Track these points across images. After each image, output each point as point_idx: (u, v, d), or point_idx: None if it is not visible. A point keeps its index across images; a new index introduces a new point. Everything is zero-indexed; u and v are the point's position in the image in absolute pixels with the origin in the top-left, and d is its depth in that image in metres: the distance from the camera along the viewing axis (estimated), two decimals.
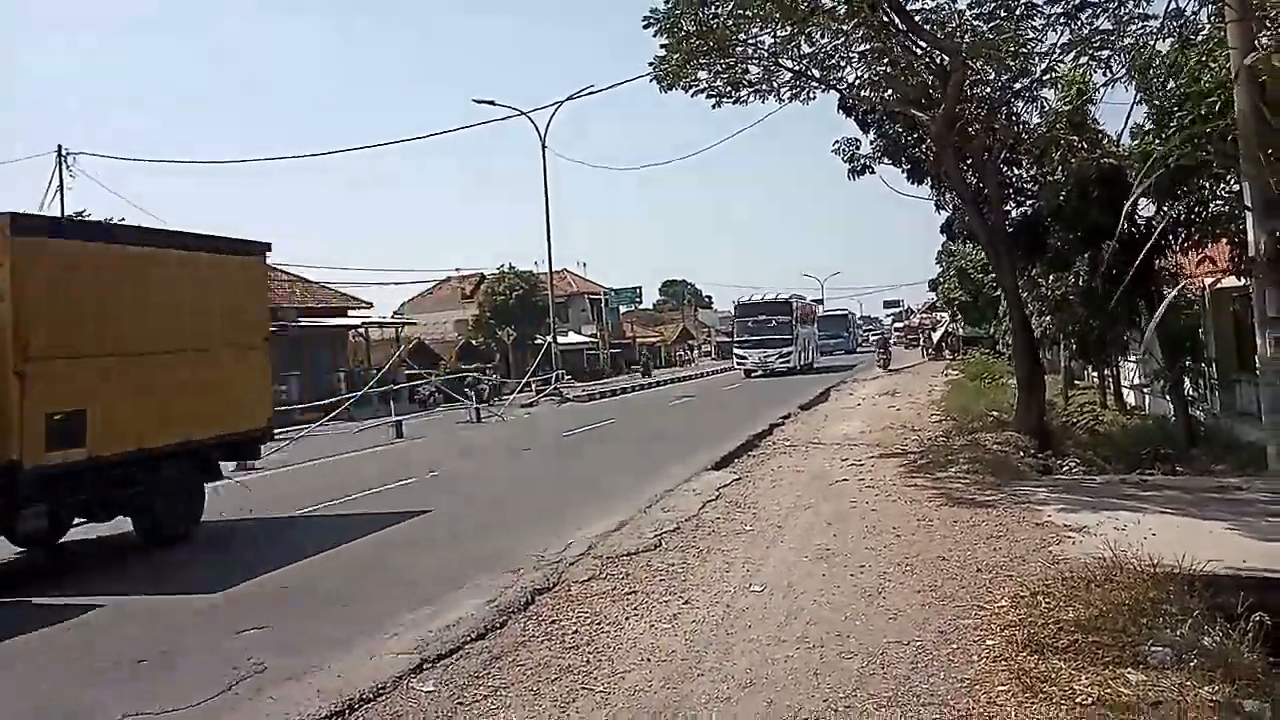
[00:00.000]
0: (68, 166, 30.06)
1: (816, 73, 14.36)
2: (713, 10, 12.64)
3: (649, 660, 5.23)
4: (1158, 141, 13.72)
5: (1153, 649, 4.55)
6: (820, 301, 78.89)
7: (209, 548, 9.96)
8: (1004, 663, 4.68)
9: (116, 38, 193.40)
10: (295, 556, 9.05)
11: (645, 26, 13.06)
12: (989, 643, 5.02)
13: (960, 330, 44.18)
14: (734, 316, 45.03)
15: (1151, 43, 12.94)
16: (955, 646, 5.05)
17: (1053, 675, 4.39)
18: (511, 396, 32.57)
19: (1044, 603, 5.48)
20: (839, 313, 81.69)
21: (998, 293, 23.40)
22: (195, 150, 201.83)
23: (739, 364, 41.99)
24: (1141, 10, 12.47)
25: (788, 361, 40.29)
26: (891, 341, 56.80)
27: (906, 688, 4.54)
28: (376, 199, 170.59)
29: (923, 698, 4.41)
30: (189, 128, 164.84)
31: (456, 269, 62.14)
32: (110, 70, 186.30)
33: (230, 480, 12.13)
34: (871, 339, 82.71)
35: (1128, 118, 15.22)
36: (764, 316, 41.41)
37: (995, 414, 16.26)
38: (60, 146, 30.33)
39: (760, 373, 39.90)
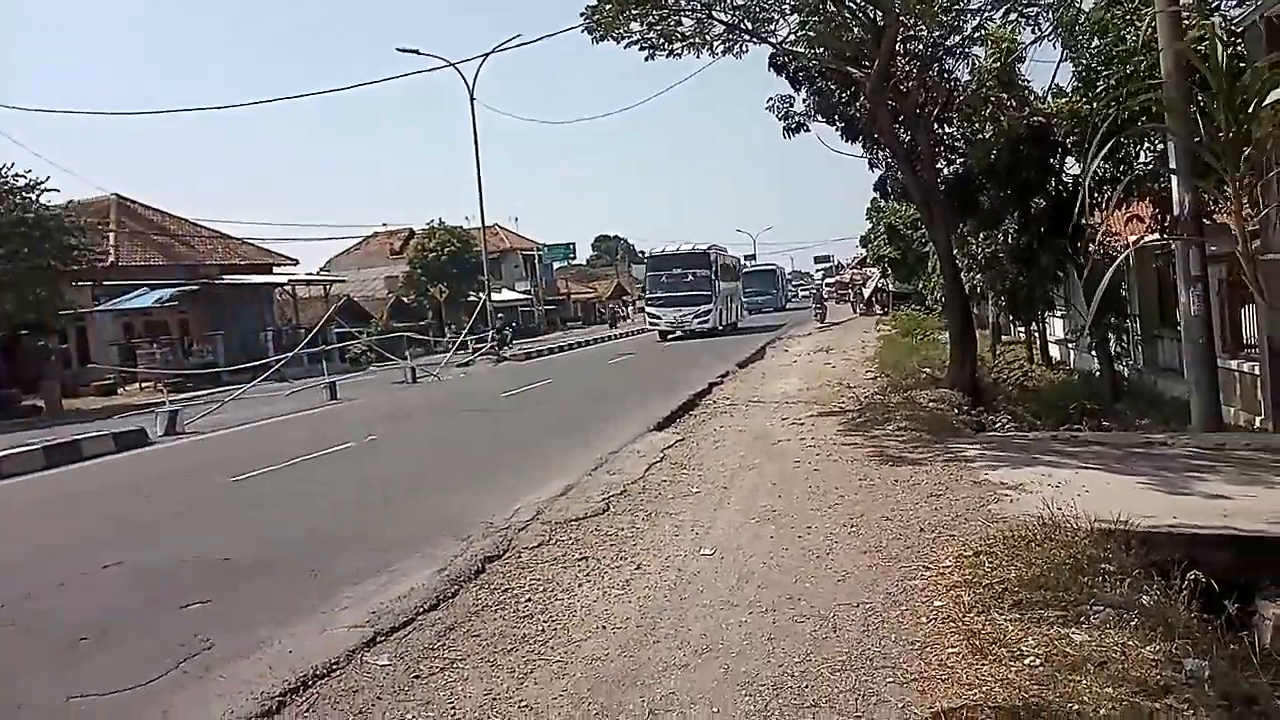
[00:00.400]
0: None
1: (749, 25, 14.25)
2: None
3: (604, 628, 5.25)
4: (1085, 101, 14.03)
5: (1094, 608, 4.71)
6: (751, 257, 78.14)
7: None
8: (952, 624, 4.80)
9: None
10: (237, 526, 8.89)
11: None
12: (937, 604, 5.15)
13: (891, 286, 44.77)
14: (645, 271, 40.16)
15: (1077, 1, 13.13)
16: (904, 608, 5.16)
17: (1000, 636, 4.52)
18: (446, 356, 32.19)
19: (987, 562, 5.62)
20: (767, 268, 77.52)
21: (927, 249, 23.84)
22: (101, 100, 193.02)
23: (652, 324, 37.56)
24: None
25: (706, 321, 36.12)
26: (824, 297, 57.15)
27: (859, 651, 4.64)
28: (304, 154, 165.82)
29: (875, 661, 4.51)
30: (96, 75, 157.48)
31: (384, 224, 61.04)
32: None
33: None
34: (802, 295, 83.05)
35: (1054, 76, 15.45)
36: (679, 270, 36.80)
37: (928, 370, 16.58)
38: None
39: (677, 333, 36.37)
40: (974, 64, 15.16)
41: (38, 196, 26.54)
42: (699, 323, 35.86)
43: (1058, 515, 6.12)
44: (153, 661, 5.23)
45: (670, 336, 36.48)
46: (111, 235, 34.21)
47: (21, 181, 26.44)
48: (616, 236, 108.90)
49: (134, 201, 38.33)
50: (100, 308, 32.68)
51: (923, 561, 5.98)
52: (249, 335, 36.32)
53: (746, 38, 14.35)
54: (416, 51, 33.54)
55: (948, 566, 5.78)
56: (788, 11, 14.03)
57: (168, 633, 5.74)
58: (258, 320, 38.76)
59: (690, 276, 36.41)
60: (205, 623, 5.88)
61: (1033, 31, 13.87)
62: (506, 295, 57.58)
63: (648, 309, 38.52)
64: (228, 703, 4.59)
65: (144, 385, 30.41)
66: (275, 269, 42.33)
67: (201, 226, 40.33)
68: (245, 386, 23.11)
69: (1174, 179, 10.52)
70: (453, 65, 34.16)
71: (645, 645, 4.96)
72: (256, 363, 27.04)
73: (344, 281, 49.18)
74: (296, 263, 44.24)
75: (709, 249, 38.14)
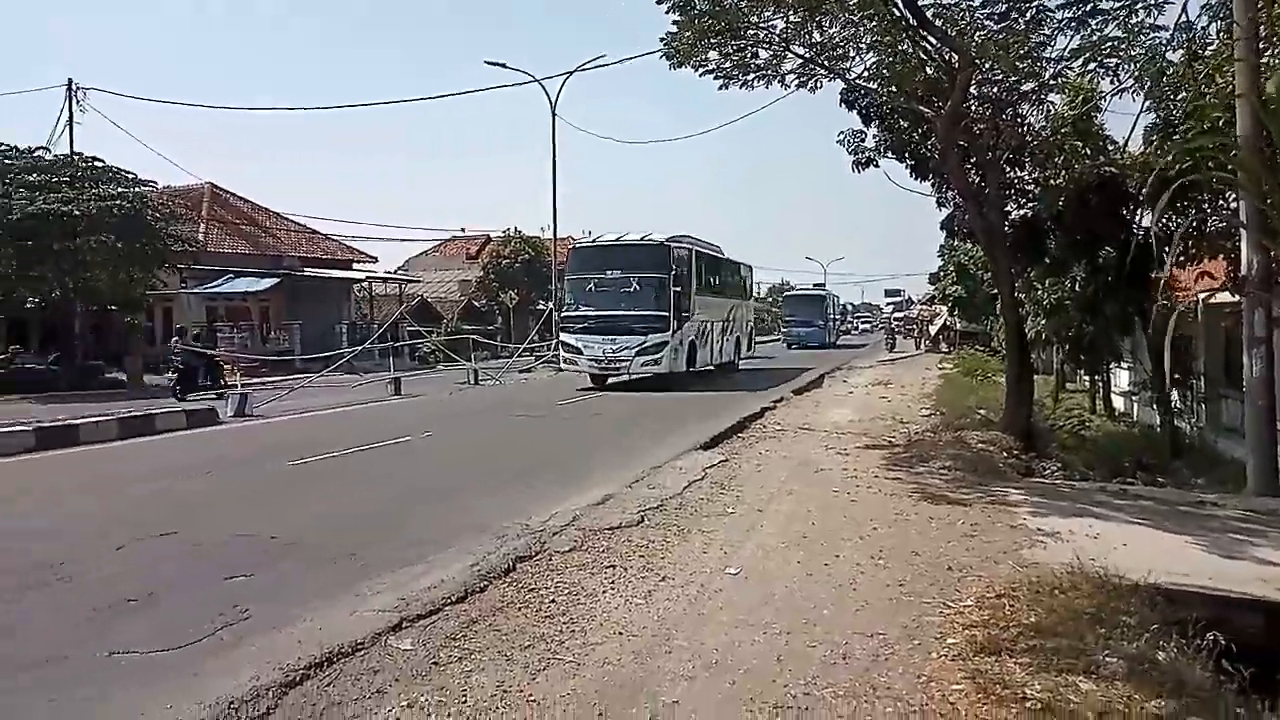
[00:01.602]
0: (78, 101, 29.82)
1: (825, 61, 14.38)
2: None
3: (621, 634, 5.40)
4: (1160, 153, 13.86)
5: (1107, 659, 4.72)
6: (820, 285, 75.69)
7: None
8: (962, 662, 4.85)
9: None
10: (288, 508, 9.26)
11: (659, 2, 13.08)
12: (950, 641, 5.19)
13: (957, 325, 44.19)
14: (566, 273, 25.89)
15: (1162, 52, 12.99)
16: (917, 643, 5.22)
17: (1007, 679, 4.56)
18: (510, 360, 32.70)
19: (1008, 606, 5.64)
20: (813, 292, 63.02)
21: (995, 289, 23.56)
22: (208, 95, 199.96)
23: (568, 362, 24.51)
24: (1153, 21, 12.49)
25: (656, 360, 22.72)
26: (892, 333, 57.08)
27: (865, 680, 4.72)
28: (390, 156, 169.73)
29: (879, 690, 4.58)
30: (204, 76, 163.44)
31: (462, 228, 62.17)
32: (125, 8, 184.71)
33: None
34: (861, 328, 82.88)
35: (1133, 127, 15.27)
36: (616, 274, 23.36)
37: (984, 411, 16.41)
38: (70, 80, 30.05)
39: (621, 376, 23.55)
40: (1049, 110, 15.07)
41: (135, 185, 27.94)
42: (644, 362, 22.77)
43: (1087, 566, 6.12)
44: (192, 626, 5.53)
45: (609, 380, 23.92)
46: (203, 223, 35.60)
47: (125, 172, 27.98)
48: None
49: (226, 191, 39.88)
50: (186, 290, 34.01)
51: (945, 599, 6.01)
52: (324, 327, 37.31)
53: (821, 72, 14.48)
54: (504, 65, 34.29)
55: (968, 606, 5.81)
56: (864, 49, 14.14)
57: (209, 601, 6.05)
58: (334, 313, 39.80)
59: (633, 285, 23.07)
60: (246, 595, 6.19)
61: (1112, 83, 13.73)
62: None
63: (563, 336, 24.35)
64: (255, 670, 4.84)
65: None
66: (355, 265, 43.48)
67: (288, 219, 41.68)
68: (316, 376, 23.82)
69: (1244, 237, 10.35)
70: (538, 81, 34.89)
71: (658, 655, 5.10)
72: (329, 354, 27.84)
73: (419, 282, 50.27)
74: (375, 260, 45.43)
75: (668, 242, 23.59)
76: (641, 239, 23.94)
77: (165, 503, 9.60)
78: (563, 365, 25.22)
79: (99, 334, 29.76)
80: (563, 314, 24.70)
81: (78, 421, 14.86)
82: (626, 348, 22.69)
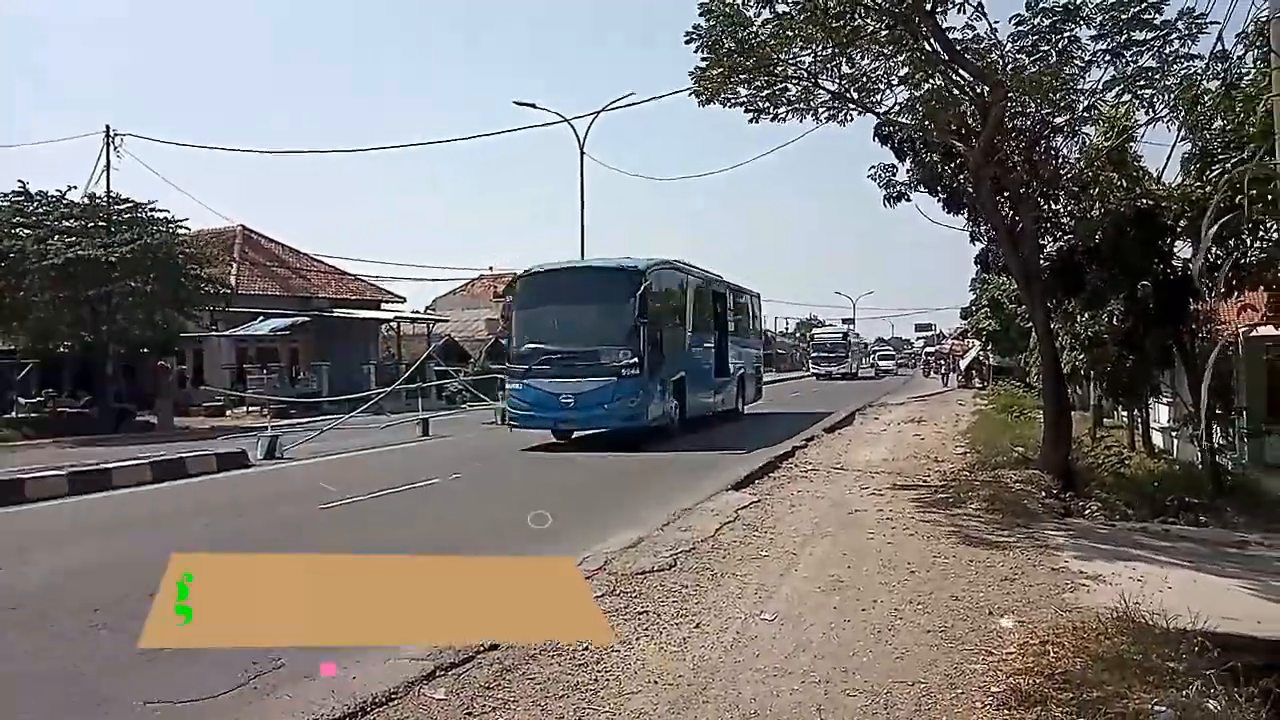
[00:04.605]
0: (115, 148, 30.50)
1: (855, 95, 14.39)
2: (754, 30, 12.73)
3: (656, 683, 5.30)
4: (1199, 184, 13.70)
5: (1155, 708, 4.57)
6: (850, 321, 77.07)
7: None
8: (1007, 711, 4.71)
9: (168, 25, 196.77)
10: (319, 551, 9.23)
11: (687, 42, 13.18)
12: (994, 690, 5.05)
13: (990, 359, 43.76)
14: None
15: (1198, 82, 12.89)
16: (960, 691, 5.08)
17: None
18: None
19: (1052, 652, 5.49)
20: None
21: (1029, 324, 23.32)
22: (239, 138, 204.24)
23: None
24: (1187, 50, 12.41)
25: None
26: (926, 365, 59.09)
27: None
28: (415, 196, 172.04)
29: None
30: (234, 121, 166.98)
31: (490, 267, 62.57)
32: (160, 55, 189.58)
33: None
34: (880, 364, 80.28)
35: (1168, 158, 15.10)
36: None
37: (1020, 449, 16.17)
38: (108, 127, 30.73)
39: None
40: (1083, 142, 14.97)
41: (172, 229, 28.56)
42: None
43: (1133, 610, 5.96)
44: (226, 674, 5.49)
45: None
46: (234, 265, 36.16)
47: (158, 214, 28.61)
48: None
49: (257, 233, 40.52)
50: (217, 333, 34.44)
51: (987, 645, 5.86)
52: (353, 367, 37.58)
53: (851, 107, 14.49)
54: (533, 105, 34.81)
55: (1011, 653, 5.66)
56: (895, 84, 14.15)
57: (242, 648, 6.01)
58: (362, 353, 40.13)
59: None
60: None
61: (1147, 113, 13.61)
62: None
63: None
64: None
65: (251, 409, 31.77)
66: (383, 305, 43.89)
67: (318, 260, 42.23)
68: (344, 417, 23.95)
69: None
70: (567, 120, 35.16)
71: (694, 704, 4.99)
72: (357, 394, 28.01)
73: (446, 321, 50.63)
74: (404, 300, 45.84)
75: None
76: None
77: (199, 546, 9.59)
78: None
79: (131, 376, 30.20)
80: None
81: (111, 465, 14.98)
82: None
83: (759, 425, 23.37)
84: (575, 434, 19.66)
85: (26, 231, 26.82)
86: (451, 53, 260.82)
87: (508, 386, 19.95)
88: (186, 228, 29.73)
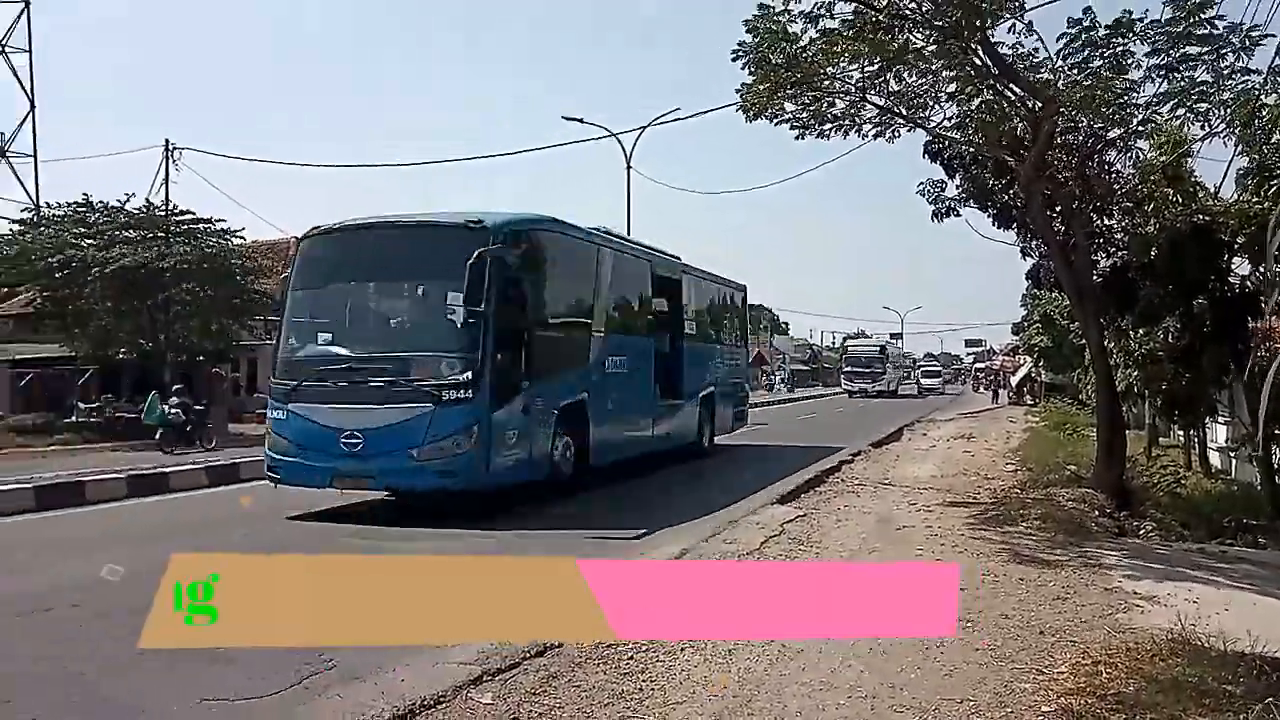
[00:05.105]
0: (174, 161, 31.35)
1: (904, 111, 14.30)
2: (800, 46, 12.70)
3: (700, 694, 5.31)
4: (1258, 200, 13.44)
5: None
6: (899, 336, 74.83)
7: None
8: None
9: (167, 25, 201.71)
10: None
11: (734, 59, 13.19)
12: (1044, 710, 4.99)
13: (1042, 376, 43.07)
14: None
15: (1255, 96, 12.66)
16: (1009, 709, 5.02)
17: None
18: None
19: (1105, 673, 5.41)
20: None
21: (1083, 342, 22.96)
22: (239, 137, 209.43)
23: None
24: (1244, 64, 12.18)
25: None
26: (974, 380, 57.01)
27: None
28: (450, 202, 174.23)
29: None
30: (234, 121, 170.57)
31: None
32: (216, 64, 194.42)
33: None
34: (923, 382, 72.75)
35: (1225, 173, 14.76)
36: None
37: (1073, 468, 15.93)
38: (167, 141, 31.64)
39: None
40: (1137, 157, 14.75)
41: (228, 239, 29.31)
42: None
43: (1189, 631, 5.85)
44: (280, 675, 5.59)
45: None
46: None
47: (215, 225, 29.41)
48: (761, 306, 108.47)
49: None
50: (270, 341, 35.07)
51: (1037, 665, 5.79)
52: None
53: (899, 122, 14.41)
54: (581, 120, 34.96)
55: (1062, 673, 5.58)
56: (944, 99, 14.05)
57: (297, 650, 6.12)
58: None
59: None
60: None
61: (1202, 127, 13.38)
62: None
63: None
64: None
65: None
66: None
67: None
68: None
69: None
70: (614, 135, 35.25)
71: (739, 716, 4.99)
72: None
73: None
74: None
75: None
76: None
77: (251, 548, 9.79)
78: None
79: (187, 383, 30.85)
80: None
81: (169, 470, 15.37)
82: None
83: (726, 469, 17.63)
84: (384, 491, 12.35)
85: (89, 241, 27.66)
86: (451, 52, 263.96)
87: (269, 415, 12.24)
88: (242, 238, 30.52)
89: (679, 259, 18.37)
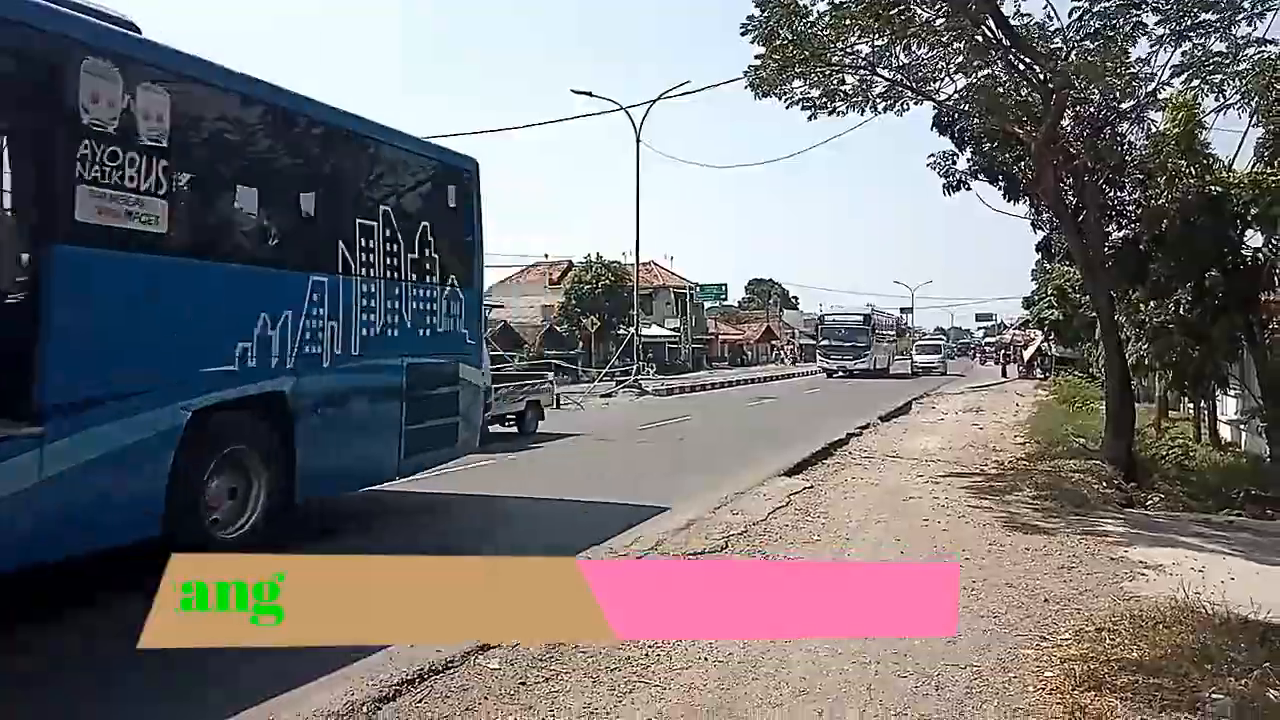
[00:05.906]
0: None
1: (913, 84, 14.17)
2: (809, 21, 12.57)
3: (706, 659, 5.37)
4: (1270, 171, 13.32)
5: (1213, 697, 4.52)
6: (909, 311, 71.35)
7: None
8: (1059, 696, 4.69)
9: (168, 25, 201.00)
10: (363, 528, 9.47)
11: (743, 34, 13.06)
12: (1047, 674, 5.03)
13: (1052, 350, 42.91)
14: None
15: (1270, 66, 12.52)
16: (1012, 675, 5.07)
17: (1106, 713, 4.40)
18: (591, 385, 32.95)
19: (1108, 639, 5.46)
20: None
21: (1093, 315, 22.86)
22: None
23: None
24: (1260, 34, 12.05)
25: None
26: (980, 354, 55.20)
27: (958, 711, 4.60)
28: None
29: None
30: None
31: (546, 254, 63.03)
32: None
33: None
34: (920, 358, 62.61)
35: (1239, 145, 14.61)
36: None
37: (1082, 440, 15.93)
38: None
39: None
40: (1149, 128, 14.63)
41: None
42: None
43: (1193, 599, 5.88)
44: None
45: None
46: None
47: None
48: (770, 280, 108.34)
49: None
50: None
51: (1041, 631, 5.83)
52: None
53: (909, 95, 14.28)
54: (589, 94, 34.83)
55: (1066, 639, 5.63)
56: (953, 71, 13.91)
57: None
58: None
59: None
60: None
61: (1216, 99, 13.23)
62: (655, 331, 58.36)
63: None
64: (351, 685, 4.96)
65: None
66: None
67: None
68: None
69: None
70: (623, 109, 35.10)
71: (744, 681, 5.05)
72: None
73: (502, 307, 51.10)
74: None
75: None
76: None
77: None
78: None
79: None
80: None
81: None
82: None
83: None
84: None
85: None
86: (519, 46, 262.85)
87: None
88: None
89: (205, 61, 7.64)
